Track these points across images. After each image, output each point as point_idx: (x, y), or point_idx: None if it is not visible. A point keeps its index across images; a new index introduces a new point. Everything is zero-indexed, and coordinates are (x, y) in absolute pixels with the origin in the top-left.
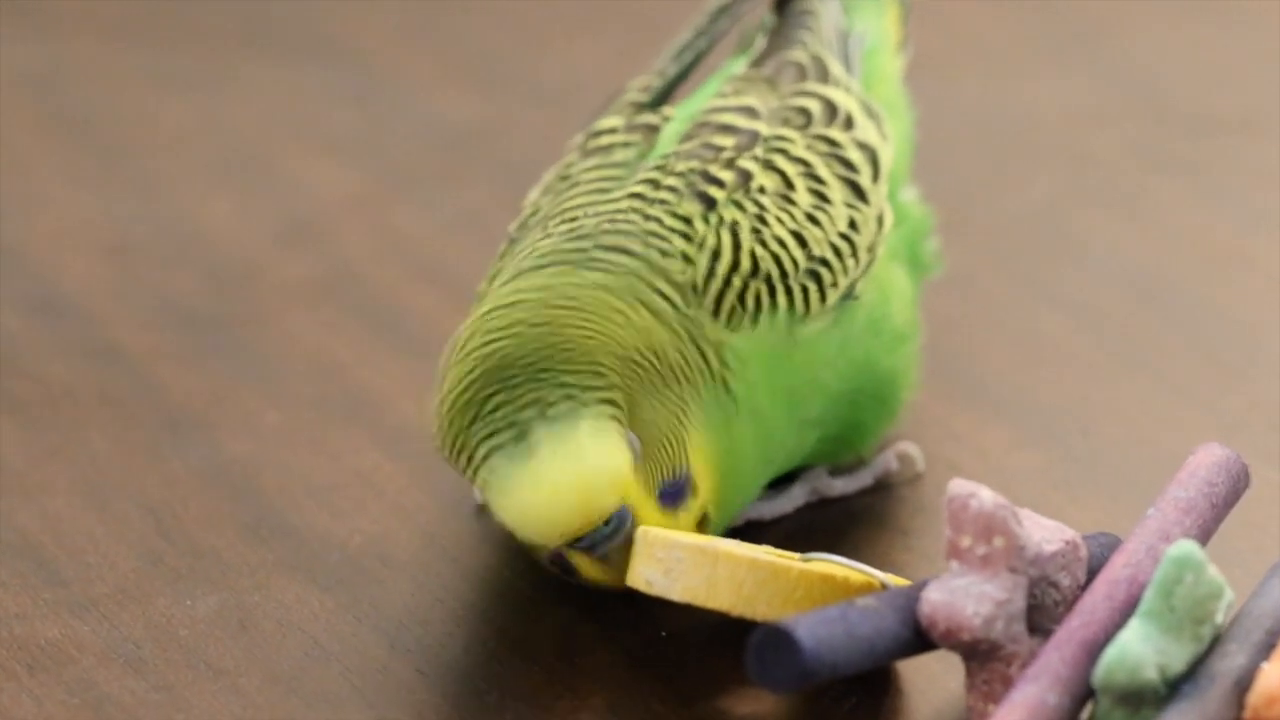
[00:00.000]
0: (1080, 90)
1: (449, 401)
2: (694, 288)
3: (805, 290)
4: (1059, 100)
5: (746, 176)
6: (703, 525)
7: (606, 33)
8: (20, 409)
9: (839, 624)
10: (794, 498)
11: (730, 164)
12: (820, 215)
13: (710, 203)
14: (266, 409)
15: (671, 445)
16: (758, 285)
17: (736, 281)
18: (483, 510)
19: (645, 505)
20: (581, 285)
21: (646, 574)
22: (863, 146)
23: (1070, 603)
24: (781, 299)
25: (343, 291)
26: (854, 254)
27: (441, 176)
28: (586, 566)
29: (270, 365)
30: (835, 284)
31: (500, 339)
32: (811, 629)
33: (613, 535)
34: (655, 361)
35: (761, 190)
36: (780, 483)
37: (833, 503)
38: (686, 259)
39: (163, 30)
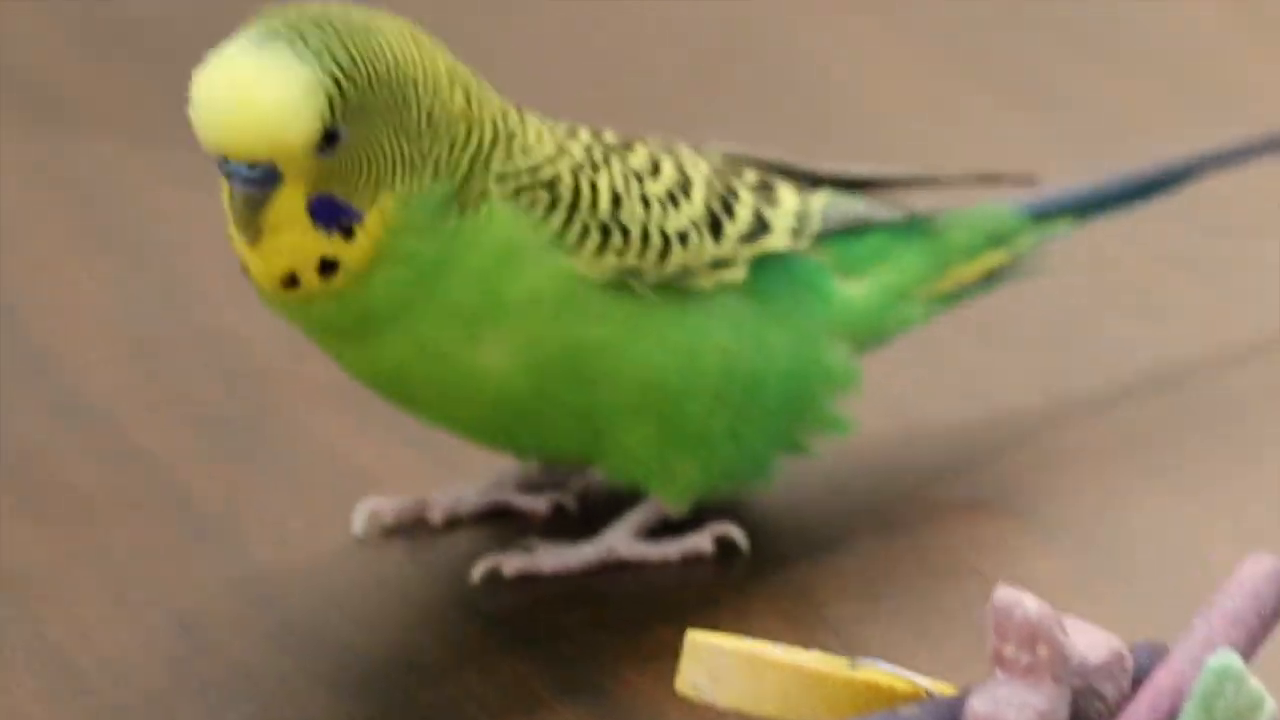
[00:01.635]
0: None
1: None
2: (504, 140)
3: (586, 229)
4: None
5: (627, 145)
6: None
7: (639, 127)
8: (47, 514)
9: None
10: (583, 554)
11: (628, 143)
12: (656, 206)
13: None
14: (291, 514)
15: (365, 179)
16: (547, 193)
17: (529, 176)
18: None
19: (295, 192)
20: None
21: (693, 679)
22: (758, 213)
23: (1115, 713)
24: (559, 215)
25: (366, 394)
26: (662, 256)
27: None
28: (231, 226)
29: (294, 469)
30: (622, 256)
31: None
32: None
33: (257, 183)
34: (427, 118)
35: (623, 157)
36: (573, 525)
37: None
38: (523, 133)
39: (188, 133)
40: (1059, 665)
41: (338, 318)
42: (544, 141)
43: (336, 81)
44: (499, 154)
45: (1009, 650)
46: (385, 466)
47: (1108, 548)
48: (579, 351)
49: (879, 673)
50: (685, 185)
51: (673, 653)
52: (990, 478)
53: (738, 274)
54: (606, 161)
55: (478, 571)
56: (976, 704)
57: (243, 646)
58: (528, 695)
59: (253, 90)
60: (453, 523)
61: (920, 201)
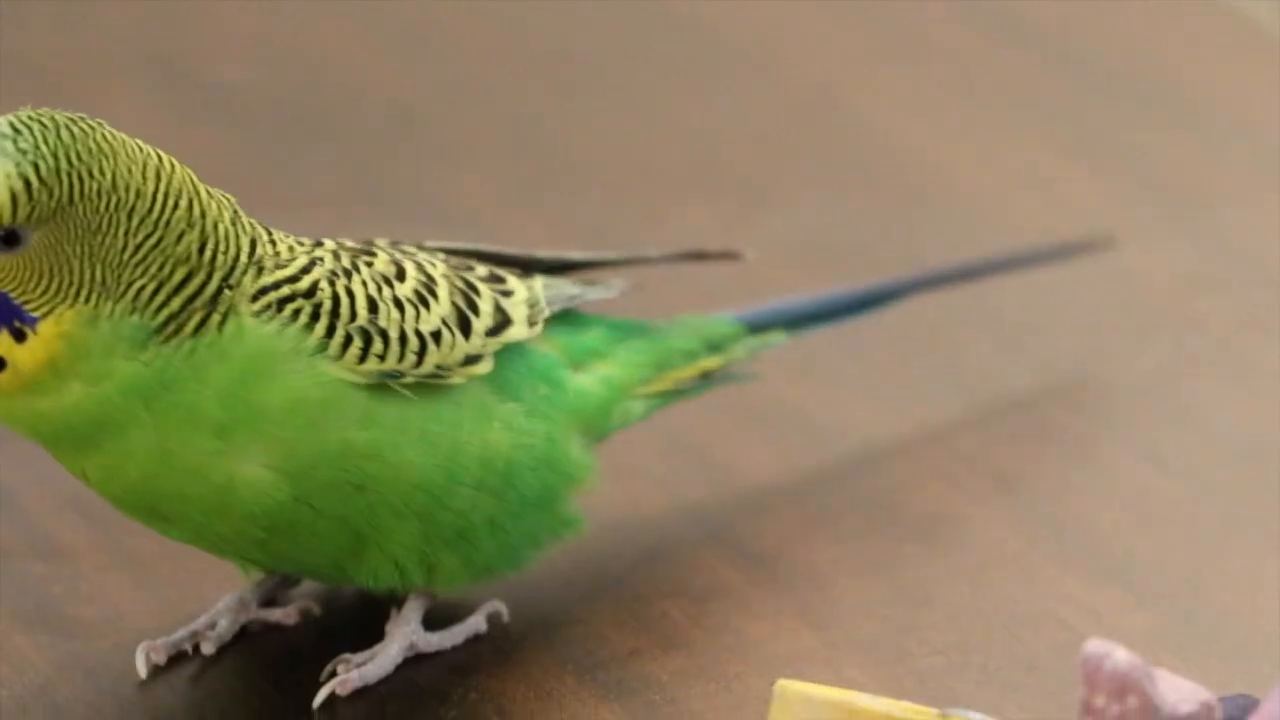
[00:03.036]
0: (1187, 257)
1: None
2: (255, 261)
3: (349, 335)
4: (1166, 267)
5: (370, 254)
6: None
7: (715, 200)
8: (137, 564)
9: None
10: (392, 656)
11: (368, 248)
12: (409, 308)
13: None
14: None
15: (44, 288)
16: (308, 302)
17: (289, 288)
18: None
19: None
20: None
21: None
22: (498, 305)
23: None
24: (322, 323)
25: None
26: (419, 356)
27: None
28: None
29: None
30: (383, 359)
31: None
32: None
33: None
34: (134, 249)
35: (369, 263)
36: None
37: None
38: (274, 250)
39: (286, 200)
40: (1148, 716)
41: (39, 425)
42: (296, 254)
43: (27, 183)
44: (251, 272)
45: (1099, 701)
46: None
47: (1196, 604)
48: (344, 456)
49: None
50: (430, 285)
51: (763, 702)
52: (1080, 535)
53: (485, 367)
54: (355, 268)
55: (318, 700)
56: None
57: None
58: None
59: None
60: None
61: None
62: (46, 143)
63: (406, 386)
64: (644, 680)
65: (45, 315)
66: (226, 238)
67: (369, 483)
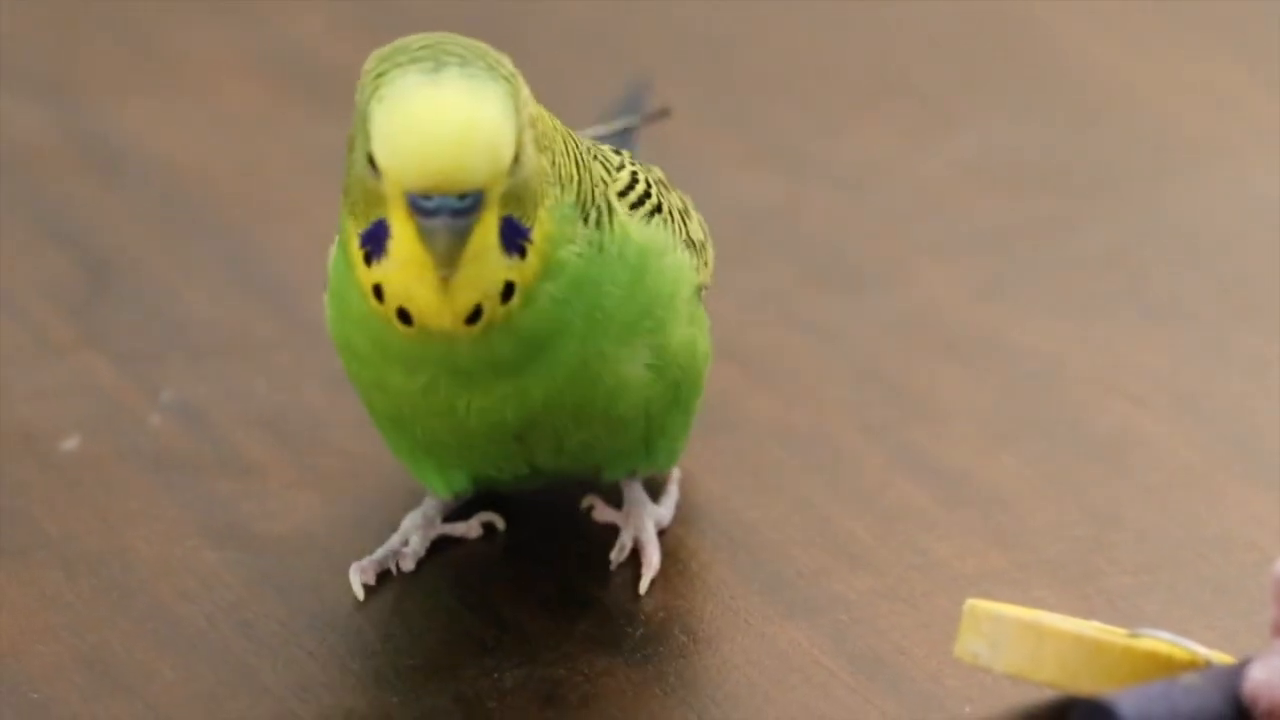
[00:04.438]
0: None
1: (376, 54)
2: (603, 160)
3: (687, 241)
4: None
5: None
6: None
7: (897, 116)
8: (326, 482)
9: (1162, 701)
10: (673, 496)
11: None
12: (686, 221)
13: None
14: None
15: (529, 195)
16: (654, 209)
17: (646, 195)
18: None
19: (490, 218)
20: None
21: (973, 646)
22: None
23: None
24: (674, 226)
25: None
26: (706, 265)
27: (742, 256)
28: (407, 268)
29: None
30: (705, 266)
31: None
32: (1136, 705)
33: (470, 211)
34: (549, 129)
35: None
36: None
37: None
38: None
39: None
40: None
41: (497, 350)
42: (623, 164)
43: (513, 99)
44: (599, 170)
45: None
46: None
47: None
48: (686, 352)
49: (1158, 642)
50: (683, 203)
51: (950, 621)
52: (1268, 455)
53: (706, 276)
54: (652, 181)
55: (615, 558)
56: (1257, 672)
57: (520, 611)
58: (808, 662)
59: (471, 119)
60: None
61: None
62: (490, 59)
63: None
64: (831, 599)
65: (533, 223)
66: (581, 145)
67: (684, 377)
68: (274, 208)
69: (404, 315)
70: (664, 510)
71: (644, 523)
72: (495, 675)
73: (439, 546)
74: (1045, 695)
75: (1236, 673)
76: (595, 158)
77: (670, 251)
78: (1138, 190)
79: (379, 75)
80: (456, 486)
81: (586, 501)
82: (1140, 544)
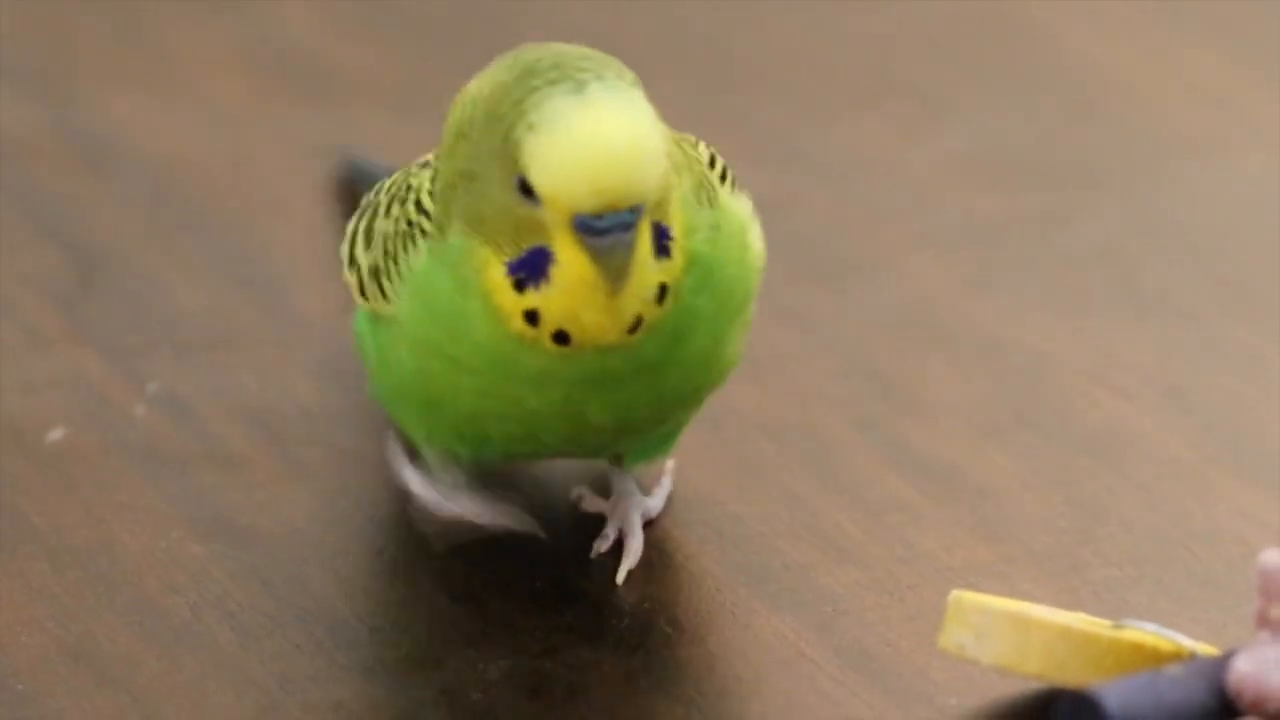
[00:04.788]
0: None
1: (490, 78)
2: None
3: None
4: None
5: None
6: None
7: (888, 109)
8: (313, 475)
9: (1147, 692)
10: (666, 486)
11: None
12: None
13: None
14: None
15: (667, 195)
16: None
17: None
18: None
19: (645, 226)
20: None
21: (959, 638)
22: None
23: None
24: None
25: None
26: None
27: None
28: (575, 291)
29: None
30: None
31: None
32: (1120, 697)
33: (636, 223)
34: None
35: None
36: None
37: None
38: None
39: (416, 98)
40: None
41: (645, 352)
42: (685, 136)
43: (649, 104)
44: (688, 149)
45: (1275, 612)
46: None
47: None
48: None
49: (1143, 633)
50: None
51: (936, 613)
52: (1256, 450)
53: None
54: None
55: (622, 575)
56: (1241, 664)
57: (505, 603)
58: (794, 655)
59: (632, 133)
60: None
61: None
62: (625, 72)
63: None
64: (817, 592)
65: (671, 222)
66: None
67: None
68: (262, 202)
69: (562, 336)
70: (655, 501)
71: (630, 514)
72: (481, 667)
73: (424, 539)
74: (1031, 687)
75: (1221, 665)
76: (676, 140)
77: (755, 221)
78: (1129, 185)
79: (517, 102)
80: (483, 461)
81: (575, 491)
82: (1127, 537)
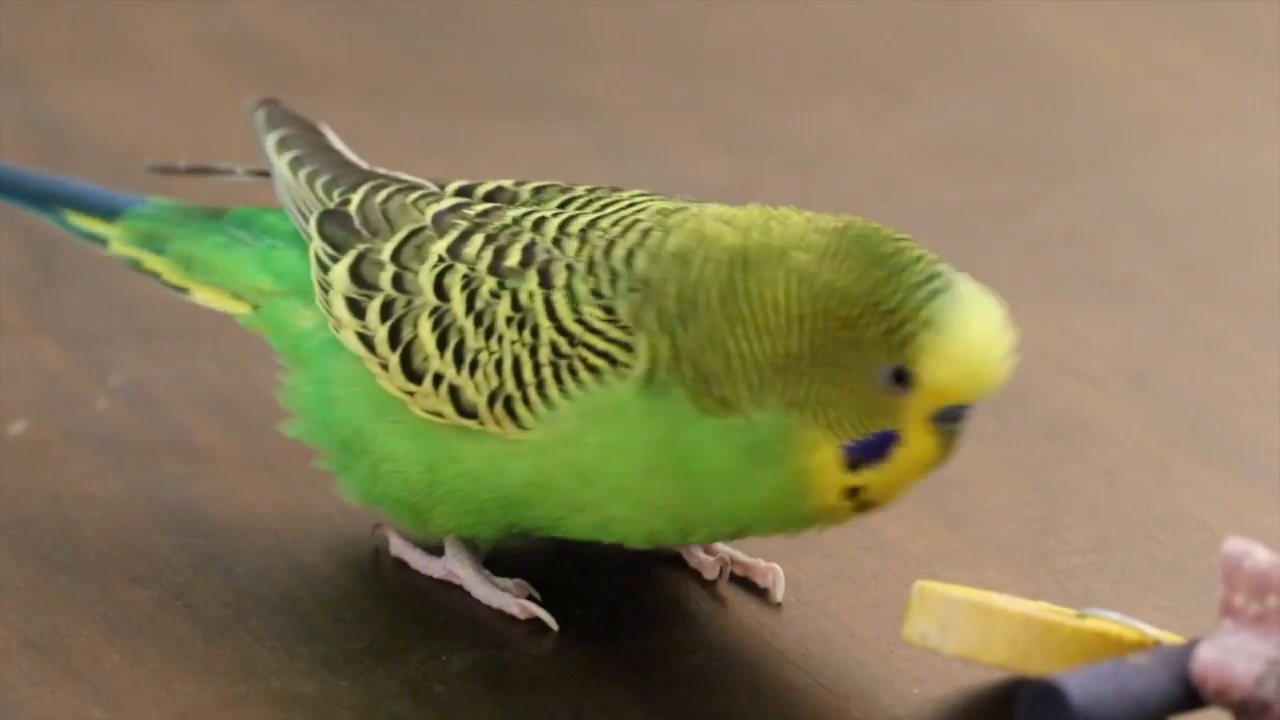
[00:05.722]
0: None
1: (837, 269)
2: None
3: None
4: None
5: None
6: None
7: (853, 95)
8: (276, 465)
9: (1110, 681)
10: (433, 567)
11: None
12: None
13: None
14: None
15: None
16: None
17: None
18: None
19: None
20: None
21: (921, 627)
22: None
23: None
24: None
25: None
26: None
27: None
28: (908, 470)
29: None
30: None
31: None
32: (1084, 686)
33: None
34: None
35: None
36: None
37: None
38: None
39: (419, 93)
40: None
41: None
42: None
43: None
44: None
45: (1238, 600)
46: None
47: None
48: None
49: (1107, 622)
50: None
51: (900, 603)
52: (1221, 435)
53: None
54: None
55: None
56: (1205, 652)
57: (467, 595)
58: (758, 644)
59: (1001, 328)
60: None
61: None
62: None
63: None
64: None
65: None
66: None
67: None
68: (224, 190)
69: (868, 504)
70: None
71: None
72: (443, 658)
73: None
74: (995, 676)
75: (1185, 653)
76: None
77: None
78: (1094, 170)
79: (903, 299)
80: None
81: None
82: (1091, 524)
